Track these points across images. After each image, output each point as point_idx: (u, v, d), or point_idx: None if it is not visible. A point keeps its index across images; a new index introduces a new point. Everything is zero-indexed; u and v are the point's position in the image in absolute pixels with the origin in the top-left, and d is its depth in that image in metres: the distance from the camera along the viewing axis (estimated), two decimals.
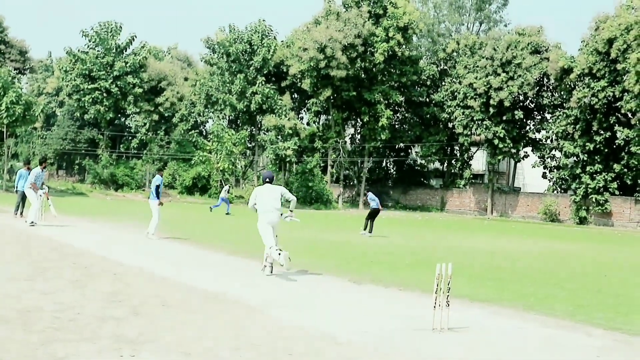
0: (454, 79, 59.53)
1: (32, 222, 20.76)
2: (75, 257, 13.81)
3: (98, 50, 63.07)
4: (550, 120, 56.10)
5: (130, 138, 74.41)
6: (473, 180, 63.16)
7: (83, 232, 20.00)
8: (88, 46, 63.05)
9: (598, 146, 50.05)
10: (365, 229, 26.41)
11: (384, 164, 68.71)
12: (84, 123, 75.55)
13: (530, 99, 56.61)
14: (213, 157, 54.65)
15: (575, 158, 52.92)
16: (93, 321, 7.83)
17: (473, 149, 61.89)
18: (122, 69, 62.32)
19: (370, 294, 11.44)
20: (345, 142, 63.97)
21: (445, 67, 62.69)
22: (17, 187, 25.63)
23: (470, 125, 56.49)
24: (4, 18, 76.48)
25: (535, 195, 57.68)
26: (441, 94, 60.04)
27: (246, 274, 13.09)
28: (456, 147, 62.52)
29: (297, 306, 9.75)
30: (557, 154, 55.98)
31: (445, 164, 65.13)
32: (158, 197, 19.49)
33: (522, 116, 55.09)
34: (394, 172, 69.06)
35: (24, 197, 24.89)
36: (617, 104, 48.65)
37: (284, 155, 56.24)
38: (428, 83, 62.74)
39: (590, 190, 50.57)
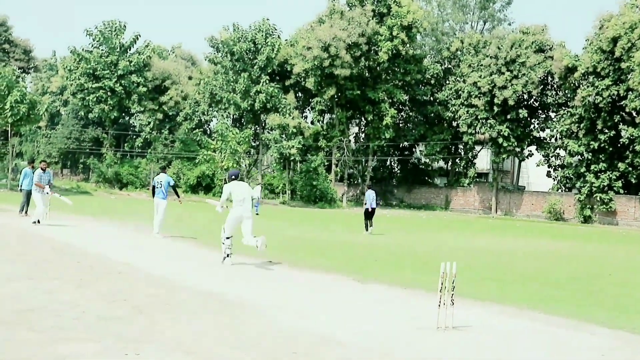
0: (458, 78, 59.50)
1: (35, 220, 20.72)
2: (78, 257, 13.82)
3: (102, 49, 63.13)
4: (555, 119, 56.06)
5: (134, 137, 74.44)
6: (477, 179, 63.14)
7: (87, 231, 20.00)
8: (92, 45, 63.11)
9: (602, 145, 49.97)
10: (367, 230, 26.51)
11: (388, 162, 68.73)
12: (88, 122, 75.60)
13: (534, 97, 56.60)
14: (217, 156, 54.60)
15: (579, 157, 52.87)
16: (97, 320, 7.83)
17: (477, 147, 61.84)
18: (126, 68, 62.35)
19: (374, 293, 11.42)
20: (350, 140, 63.99)
21: (449, 66, 62.68)
22: (21, 186, 25.56)
23: (475, 124, 56.47)
24: (8, 17, 76.83)
25: (540, 194, 57.62)
26: (445, 93, 60.00)
27: (249, 273, 13.07)
28: (460, 146, 62.51)
29: (300, 306, 9.74)
30: (562, 152, 55.94)
31: (450, 163, 65.14)
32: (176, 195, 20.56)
33: (526, 115, 55.09)
34: (398, 171, 69.05)
35: (29, 196, 24.88)
36: (622, 103, 48.59)
37: (288, 154, 56.27)
38: (432, 82, 62.75)
39: (594, 189, 50.49)
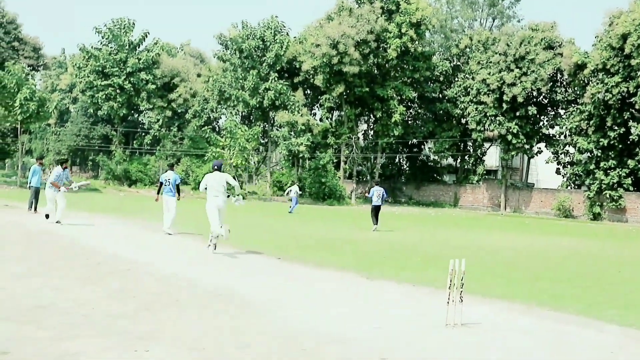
0: (467, 75, 59.39)
1: (59, 220, 20.43)
2: (87, 254, 13.86)
3: (111, 47, 63.25)
4: (564, 116, 55.86)
5: (143, 134, 74.70)
6: (486, 176, 63.02)
7: (96, 228, 20.04)
8: (101, 43, 63.22)
9: (612, 142, 49.77)
10: (375, 225, 26.58)
11: (397, 159, 68.65)
12: (98, 119, 75.89)
13: (543, 94, 56.44)
14: (226, 153, 54.60)
15: (589, 154, 52.70)
16: (105, 317, 7.85)
17: (486, 144, 61.73)
18: (135, 65, 62.44)
19: (383, 289, 11.42)
20: (358, 138, 63.97)
21: (458, 63, 62.57)
22: (30, 183, 25.60)
23: (484, 121, 56.37)
24: (17, 15, 76.91)
25: (549, 191, 57.46)
26: (454, 90, 59.90)
27: (258, 271, 13.07)
28: (469, 143, 62.42)
29: (308, 302, 9.74)
30: (571, 149, 55.77)
31: (459, 160, 65.05)
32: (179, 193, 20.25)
33: (535, 112, 54.93)
34: (407, 168, 68.98)
35: (37, 193, 24.93)
36: (632, 100, 48.33)
37: (297, 151, 56.31)
38: (441, 79, 62.68)
39: (604, 186, 50.31)
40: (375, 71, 57.72)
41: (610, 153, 50.25)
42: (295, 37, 62.05)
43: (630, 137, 49.26)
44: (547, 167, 60.97)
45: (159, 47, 65.99)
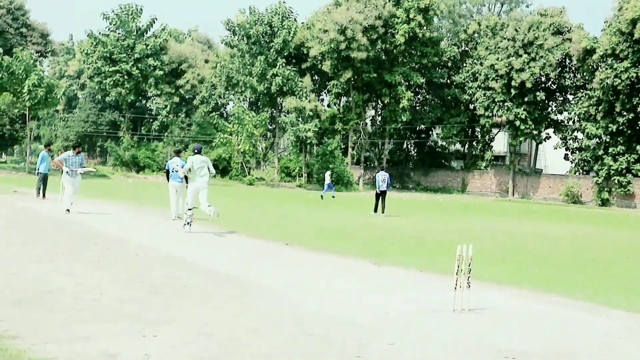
0: (475, 61, 59.25)
1: (68, 208, 19.85)
2: (96, 239, 13.91)
3: (119, 33, 63.26)
4: (573, 102, 55.72)
5: (151, 120, 74.78)
6: (494, 162, 62.99)
7: (104, 214, 20.09)
8: (109, 29, 63.26)
9: (621, 127, 49.63)
10: (375, 211, 26.56)
11: (404, 145, 68.65)
12: (105, 105, 76.02)
13: (552, 80, 56.28)
14: (234, 139, 54.68)
15: (597, 139, 52.58)
16: (114, 302, 7.89)
17: (494, 130, 61.66)
18: (142, 51, 62.43)
19: (390, 275, 11.44)
20: (366, 123, 63.95)
21: (466, 49, 62.41)
22: (38, 170, 25.63)
23: (492, 107, 56.27)
24: (25, 1, 76.95)
25: (557, 177, 57.39)
26: (462, 76, 59.78)
27: (266, 256, 13.09)
28: (477, 129, 62.34)
29: (317, 288, 9.77)
30: (579, 135, 55.66)
31: (467, 146, 65.01)
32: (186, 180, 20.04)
33: (544, 97, 54.82)
34: (415, 154, 68.99)
35: (45, 180, 25.00)
36: None
37: (304, 137, 56.31)
38: (449, 64, 62.56)
39: (612, 172, 50.21)
40: (383, 57, 57.63)
41: (619, 139, 50.11)
42: (302, 23, 61.98)
43: (639, 122, 49.11)
44: (555, 152, 60.86)
45: (166, 33, 65.98)
